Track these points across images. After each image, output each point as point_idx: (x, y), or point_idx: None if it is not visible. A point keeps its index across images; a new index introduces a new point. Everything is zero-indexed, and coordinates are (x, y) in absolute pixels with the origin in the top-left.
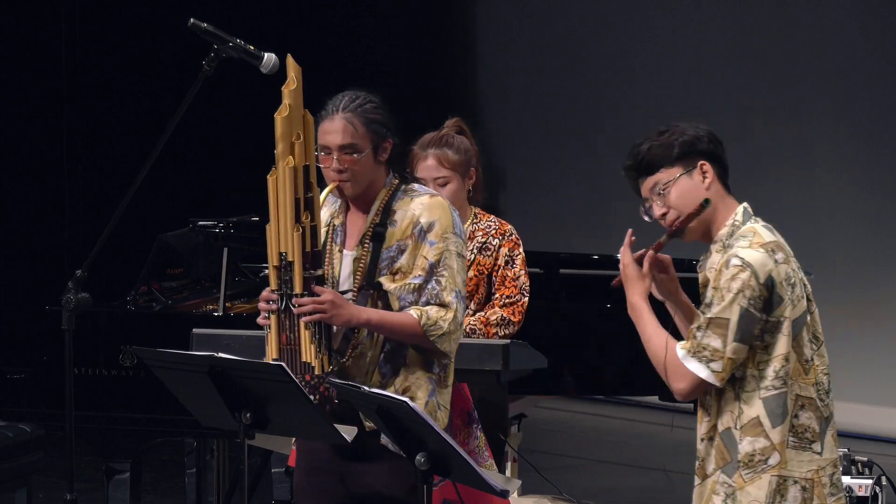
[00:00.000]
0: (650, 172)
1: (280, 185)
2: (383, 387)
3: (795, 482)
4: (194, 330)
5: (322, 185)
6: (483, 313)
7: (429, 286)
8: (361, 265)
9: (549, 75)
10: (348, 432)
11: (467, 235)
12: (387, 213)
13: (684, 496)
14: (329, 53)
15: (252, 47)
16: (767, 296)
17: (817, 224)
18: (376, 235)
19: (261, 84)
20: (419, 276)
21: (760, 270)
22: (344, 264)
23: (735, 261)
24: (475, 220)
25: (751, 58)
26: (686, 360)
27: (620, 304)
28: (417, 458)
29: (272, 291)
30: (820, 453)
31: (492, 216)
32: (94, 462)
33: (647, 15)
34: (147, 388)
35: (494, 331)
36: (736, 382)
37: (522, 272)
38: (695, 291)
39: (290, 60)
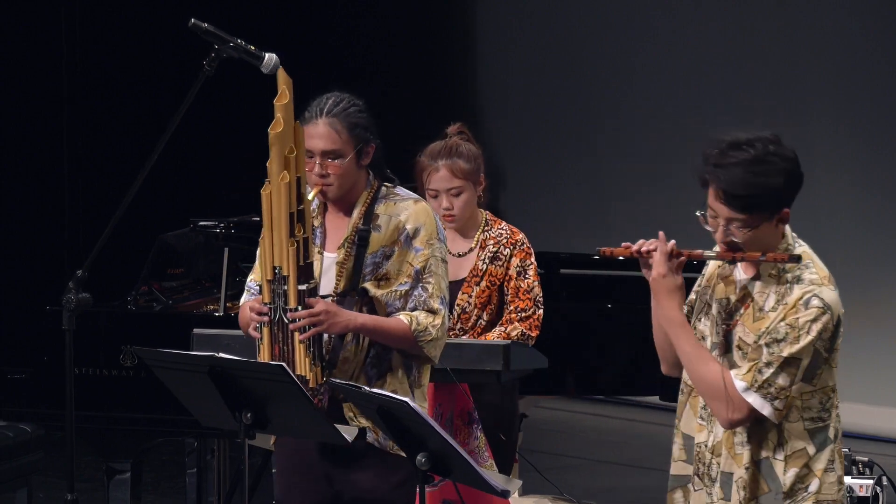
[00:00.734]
0: (740, 210)
1: (275, 200)
2: None
3: None
4: (195, 330)
5: None
6: (503, 329)
7: (415, 292)
8: (345, 269)
9: (549, 75)
10: (349, 433)
11: (479, 243)
12: (370, 216)
13: None
14: (329, 53)
15: (253, 47)
16: (833, 334)
17: (817, 224)
18: (360, 239)
19: (261, 84)
20: (405, 282)
21: (836, 312)
22: (325, 266)
23: (816, 301)
24: (486, 228)
25: (751, 58)
26: (747, 394)
27: (621, 304)
28: (418, 458)
29: (265, 304)
30: (837, 472)
31: (503, 223)
32: (94, 462)
33: (647, 15)
34: (147, 389)
35: None
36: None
37: (536, 283)
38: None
39: (280, 73)
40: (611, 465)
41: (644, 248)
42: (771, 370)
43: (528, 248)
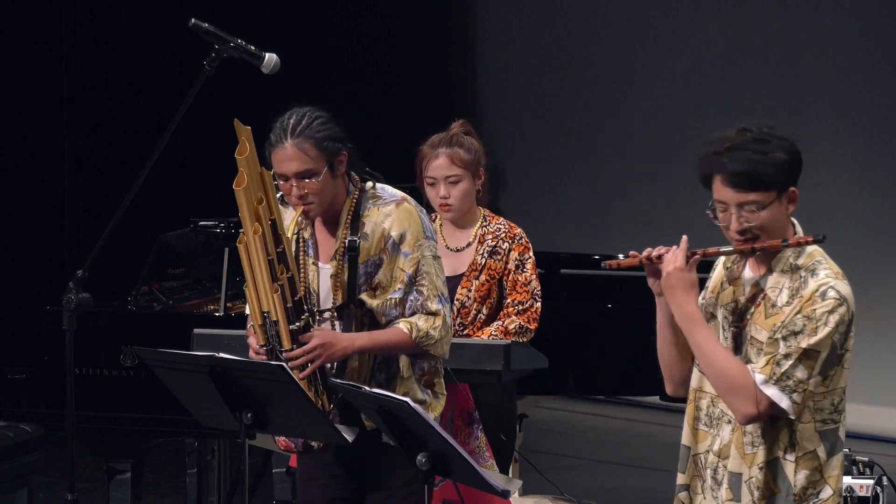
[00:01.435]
0: (749, 188)
1: (251, 252)
2: None
3: None
4: (195, 330)
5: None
6: (501, 323)
7: (411, 297)
8: (339, 282)
9: (549, 75)
10: (349, 432)
11: (477, 238)
12: (356, 225)
13: None
14: (329, 53)
15: (253, 47)
16: (848, 330)
17: (817, 224)
18: (350, 250)
19: (262, 84)
20: (399, 289)
21: (852, 305)
22: (322, 278)
23: (832, 293)
24: (484, 223)
25: (751, 58)
26: (765, 387)
27: (621, 304)
28: (418, 458)
29: (261, 346)
30: (842, 482)
31: (501, 219)
32: (94, 462)
33: (647, 15)
34: (148, 389)
35: (514, 339)
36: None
37: (533, 277)
38: None
39: (237, 124)
40: (611, 465)
41: (655, 254)
42: (790, 362)
43: (527, 242)
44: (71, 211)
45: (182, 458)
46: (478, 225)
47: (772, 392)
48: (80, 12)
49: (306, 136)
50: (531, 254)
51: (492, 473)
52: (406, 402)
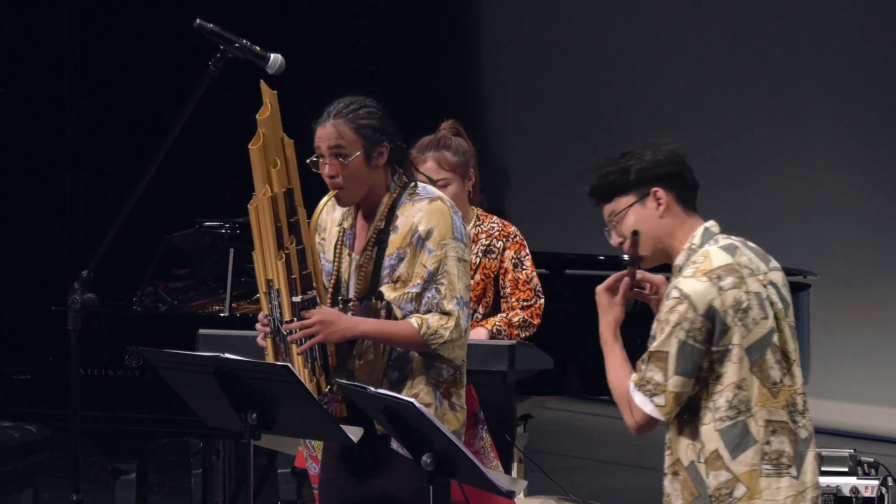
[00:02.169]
0: (606, 200)
1: (260, 215)
2: None
3: None
4: (200, 330)
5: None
6: (504, 315)
7: (428, 294)
8: (363, 272)
9: (549, 75)
10: (354, 433)
11: (471, 238)
12: (391, 217)
13: None
14: (329, 53)
15: (258, 48)
16: (710, 326)
17: (817, 224)
18: (380, 241)
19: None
20: (417, 284)
21: (699, 301)
22: (353, 269)
23: (674, 293)
24: (478, 223)
25: (751, 58)
26: (634, 393)
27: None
28: (423, 458)
29: (265, 316)
30: (797, 477)
31: (494, 217)
32: (99, 462)
33: (647, 15)
34: (153, 389)
35: (517, 332)
36: (694, 415)
37: (534, 274)
38: None
39: (263, 86)
40: (615, 465)
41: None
42: (644, 366)
43: (521, 239)
44: (71, 211)
45: (187, 459)
46: (471, 225)
47: (638, 398)
48: (81, 12)
49: (347, 119)
50: (527, 251)
51: (497, 474)
52: (411, 402)
